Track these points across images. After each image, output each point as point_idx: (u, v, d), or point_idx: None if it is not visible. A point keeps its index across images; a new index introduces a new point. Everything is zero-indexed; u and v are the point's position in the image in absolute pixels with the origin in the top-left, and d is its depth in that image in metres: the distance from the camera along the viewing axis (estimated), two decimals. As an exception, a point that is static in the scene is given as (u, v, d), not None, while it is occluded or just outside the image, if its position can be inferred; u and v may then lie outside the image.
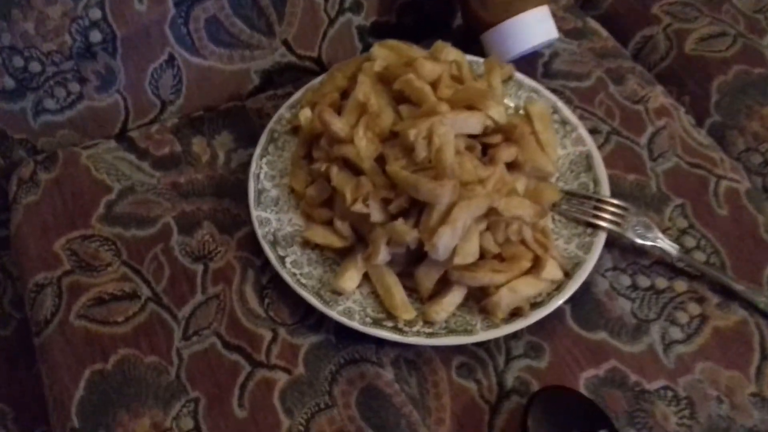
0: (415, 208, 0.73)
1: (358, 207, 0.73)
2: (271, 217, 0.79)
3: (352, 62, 0.83)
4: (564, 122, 0.87)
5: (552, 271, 0.73)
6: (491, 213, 0.73)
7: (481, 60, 0.96)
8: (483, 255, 0.72)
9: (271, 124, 0.85)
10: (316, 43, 0.95)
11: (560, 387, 0.69)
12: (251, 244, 0.78)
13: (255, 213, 0.78)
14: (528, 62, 0.92)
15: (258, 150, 0.83)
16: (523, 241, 0.74)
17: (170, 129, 0.91)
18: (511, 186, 0.81)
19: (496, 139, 0.78)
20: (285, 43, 0.93)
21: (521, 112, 0.84)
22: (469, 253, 0.71)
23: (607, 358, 0.73)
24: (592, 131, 0.84)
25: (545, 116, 0.84)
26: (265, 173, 0.83)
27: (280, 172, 0.83)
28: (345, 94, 0.80)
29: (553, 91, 0.86)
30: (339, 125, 0.76)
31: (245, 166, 0.83)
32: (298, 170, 0.82)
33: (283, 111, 0.87)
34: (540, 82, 0.85)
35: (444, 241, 0.69)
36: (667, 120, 0.93)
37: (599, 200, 0.81)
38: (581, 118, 0.85)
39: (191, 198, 0.84)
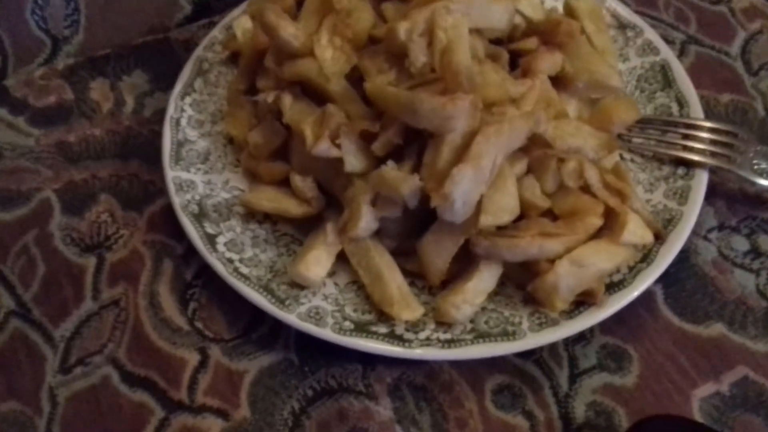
0: (413, 145, 0.53)
1: (323, 148, 0.53)
2: (197, 179, 0.59)
3: (313, -38, 0.66)
4: (623, 26, 0.68)
5: (636, 231, 0.52)
6: (534, 145, 0.53)
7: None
8: (526, 211, 0.52)
9: (198, 51, 0.67)
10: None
11: (666, 417, 0.49)
12: (169, 221, 0.58)
13: (171, 174, 0.59)
14: (559, -39, 0.78)
15: (179, 86, 0.64)
16: (586, 188, 0.53)
17: (61, 72, 0.71)
18: (560, 107, 0.57)
19: (531, 43, 0.58)
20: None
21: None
22: (504, 208, 0.50)
23: (732, 364, 0.53)
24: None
25: (597, 13, 0.65)
26: (188, 118, 0.63)
27: (211, 117, 0.64)
28: (302, 4, 0.60)
29: (599, -8, 0.67)
30: (291, 30, 0.56)
31: (164, 113, 0.63)
32: (237, 110, 0.63)
33: (217, 33, 0.69)
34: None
35: (462, 190, 0.48)
36: (762, 23, 0.74)
37: (691, 125, 0.60)
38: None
39: (84, 162, 0.64)
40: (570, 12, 0.64)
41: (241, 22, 0.64)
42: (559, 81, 0.58)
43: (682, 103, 0.62)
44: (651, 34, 0.66)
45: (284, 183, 0.57)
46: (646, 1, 0.75)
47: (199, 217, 0.56)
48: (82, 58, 0.73)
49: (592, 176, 0.53)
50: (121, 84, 0.70)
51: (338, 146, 0.53)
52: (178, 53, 0.71)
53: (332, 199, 0.56)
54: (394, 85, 0.53)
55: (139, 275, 0.58)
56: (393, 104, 0.52)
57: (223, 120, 0.63)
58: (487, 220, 0.49)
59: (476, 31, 0.56)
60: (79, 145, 0.65)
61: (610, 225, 0.52)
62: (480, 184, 0.49)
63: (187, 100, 0.63)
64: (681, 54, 0.70)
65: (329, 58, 0.55)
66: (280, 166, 0.58)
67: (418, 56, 0.52)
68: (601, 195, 0.52)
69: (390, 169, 0.51)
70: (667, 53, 0.65)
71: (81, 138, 0.66)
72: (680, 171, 0.58)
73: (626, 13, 0.68)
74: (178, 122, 0.62)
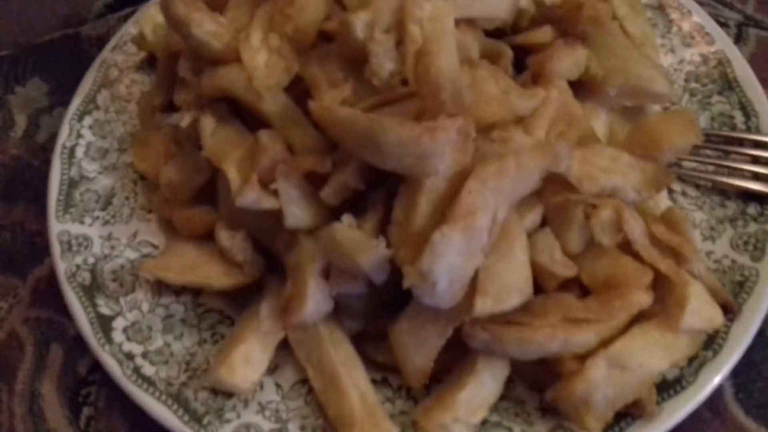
0: (379, 191, 0.40)
1: (251, 199, 0.39)
2: (93, 234, 0.46)
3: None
4: (663, 5, 0.54)
5: (701, 311, 0.38)
6: (552, 185, 0.38)
7: None
8: (542, 282, 0.39)
9: (105, 53, 0.54)
10: None
11: None
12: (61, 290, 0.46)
13: (57, 227, 0.46)
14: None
15: (76, 102, 0.51)
16: (627, 246, 0.39)
17: (-65, 85, 0.61)
18: (586, 127, 0.43)
19: (544, 35, 0.45)
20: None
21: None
22: (509, 286, 0.37)
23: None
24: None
25: None
26: (87, 146, 0.50)
27: (119, 143, 0.51)
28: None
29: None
30: (210, 26, 0.43)
31: (62, 137, 0.53)
32: (150, 134, 0.49)
33: (131, 28, 0.55)
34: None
35: (447, 265, 0.35)
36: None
37: (763, 143, 0.46)
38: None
39: (-49, 208, 0.54)
40: (594, -12, 0.49)
41: (150, 15, 0.48)
42: (582, 86, 0.45)
43: (748, 111, 0.49)
44: (701, 16, 0.53)
45: (210, 236, 0.44)
46: (688, -29, 0.59)
47: (91, 290, 0.44)
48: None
49: (636, 229, 0.39)
50: (12, 98, 0.58)
51: (275, 192, 0.39)
52: (89, 54, 0.58)
53: (275, 264, 0.43)
54: (350, 104, 0.38)
55: (16, 369, 0.46)
56: (347, 134, 0.37)
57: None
58: (485, 306, 0.36)
59: (467, 22, 0.41)
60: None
61: (662, 298, 0.39)
62: (474, 254, 0.36)
63: (87, 121, 0.52)
64: (737, 40, 0.58)
65: (262, 66, 0.41)
66: (202, 213, 0.46)
67: (383, 62, 0.39)
68: (649, 256, 0.39)
69: (346, 227, 0.37)
70: (725, 42, 0.51)
71: (-48, 174, 0.55)
72: (752, 209, 0.45)
73: (666, -11, 0.53)
74: (72, 152, 0.50)
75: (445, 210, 0.36)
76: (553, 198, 0.38)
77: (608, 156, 0.40)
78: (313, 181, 0.40)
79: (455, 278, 0.35)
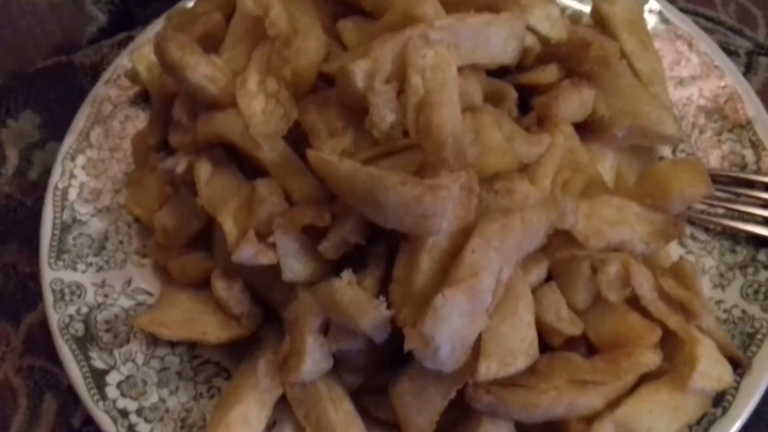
0: (380, 245, 0.39)
1: (248, 254, 0.38)
2: (86, 281, 0.45)
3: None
4: (669, 37, 0.52)
5: (711, 371, 0.37)
6: (558, 241, 0.37)
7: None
8: (548, 338, 0.38)
9: (98, 88, 0.52)
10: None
11: None
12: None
13: (49, 275, 0.45)
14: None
15: (69, 140, 0.50)
16: (635, 301, 0.38)
17: None
18: (592, 173, 0.42)
19: (549, 74, 0.44)
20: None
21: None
22: (515, 349, 0.36)
23: None
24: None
25: (638, 22, 0.48)
26: (80, 187, 0.48)
27: (113, 183, 0.49)
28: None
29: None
30: (205, 70, 0.41)
31: (55, 175, 0.51)
32: (144, 175, 0.48)
33: (125, 60, 0.53)
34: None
35: (450, 329, 0.34)
36: None
37: None
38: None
39: (-60, 249, 0.53)
40: (601, 21, 0.47)
41: (143, 54, 0.47)
42: (589, 127, 0.43)
43: (759, 151, 0.47)
44: (710, 47, 0.51)
45: (207, 282, 0.43)
46: (697, -2, 0.58)
47: (85, 342, 0.43)
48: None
49: (644, 284, 0.38)
50: (4, 132, 0.56)
51: (272, 245, 0.38)
52: (83, 85, 0.57)
53: (272, 315, 0.42)
54: (350, 154, 0.37)
55: (9, 420, 0.45)
56: (347, 189, 0.36)
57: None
58: (489, 371, 0.35)
59: (470, 67, 0.39)
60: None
61: (671, 355, 0.38)
62: (478, 317, 0.34)
63: (80, 160, 0.50)
64: (747, 69, 0.56)
65: (259, 113, 0.40)
66: (198, 261, 0.44)
67: (383, 114, 0.38)
68: (658, 312, 0.38)
69: (345, 284, 0.36)
70: (735, 76, 0.49)
71: (-59, 214, 0.53)
72: (762, 256, 0.44)
73: (675, 17, 0.52)
74: (65, 194, 0.48)
75: (447, 268, 0.35)
76: (559, 253, 0.37)
77: (615, 206, 0.38)
78: (312, 234, 0.39)
79: (458, 342, 0.33)
